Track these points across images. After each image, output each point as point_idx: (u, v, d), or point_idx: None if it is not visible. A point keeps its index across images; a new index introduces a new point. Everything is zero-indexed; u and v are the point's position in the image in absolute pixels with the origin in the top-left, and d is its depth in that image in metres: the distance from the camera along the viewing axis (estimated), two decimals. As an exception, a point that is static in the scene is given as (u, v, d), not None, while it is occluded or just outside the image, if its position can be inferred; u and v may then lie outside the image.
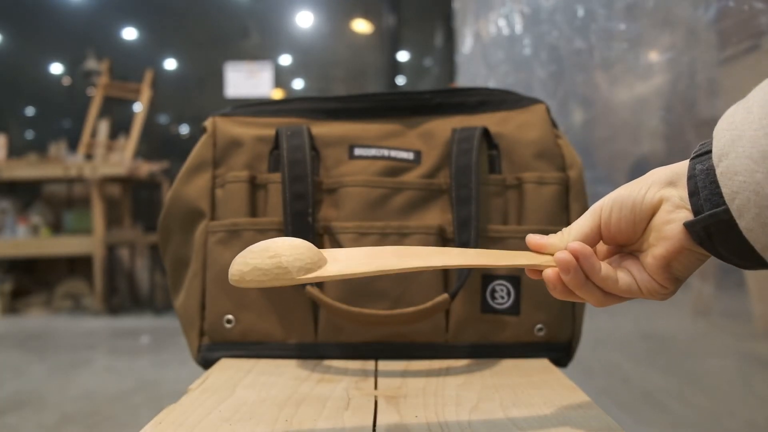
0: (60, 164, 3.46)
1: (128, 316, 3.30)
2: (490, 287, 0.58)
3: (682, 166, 0.36)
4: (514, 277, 0.58)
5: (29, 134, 5.09)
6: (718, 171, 0.31)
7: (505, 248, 0.58)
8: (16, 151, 3.97)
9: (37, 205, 3.67)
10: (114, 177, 3.44)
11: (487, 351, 0.58)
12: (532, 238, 0.40)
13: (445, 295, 0.53)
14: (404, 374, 0.52)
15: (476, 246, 0.55)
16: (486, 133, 0.60)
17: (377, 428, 0.39)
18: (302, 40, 5.11)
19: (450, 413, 0.42)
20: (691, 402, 0.87)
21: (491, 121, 0.62)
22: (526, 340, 0.58)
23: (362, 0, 5.11)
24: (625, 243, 0.39)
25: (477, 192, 0.57)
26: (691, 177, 0.34)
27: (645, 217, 0.37)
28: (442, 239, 0.58)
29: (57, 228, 3.66)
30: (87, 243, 3.36)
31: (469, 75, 2.43)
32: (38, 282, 3.59)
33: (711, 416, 0.83)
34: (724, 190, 0.31)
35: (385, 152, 0.61)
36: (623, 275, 0.38)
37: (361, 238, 0.57)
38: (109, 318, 3.23)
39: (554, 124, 0.62)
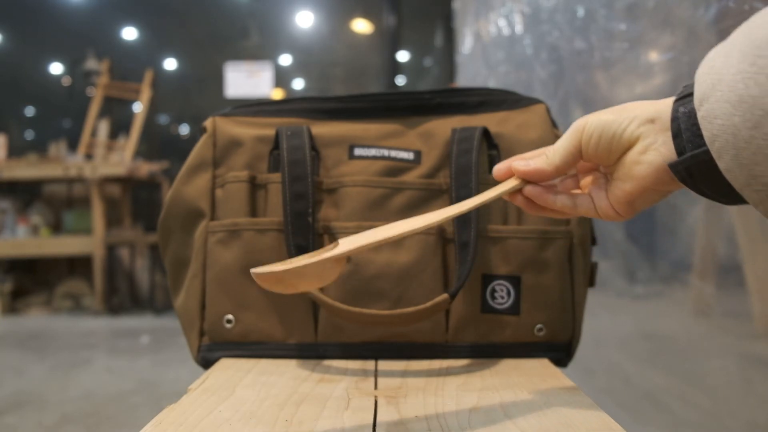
0: (60, 164, 3.46)
1: (128, 316, 3.30)
2: (490, 287, 0.58)
3: (665, 105, 0.37)
4: (514, 277, 0.58)
5: (29, 134, 5.08)
6: (699, 114, 0.32)
7: (505, 249, 0.58)
8: (16, 151, 3.97)
9: (37, 205, 3.67)
10: (114, 177, 3.44)
11: (487, 351, 0.58)
12: (518, 165, 0.43)
13: (445, 295, 0.53)
14: (404, 374, 0.52)
15: (476, 247, 0.55)
16: (486, 133, 0.60)
17: (377, 428, 0.39)
18: (302, 40, 5.11)
19: (450, 413, 0.42)
20: (692, 402, 0.87)
21: (491, 121, 0.62)
22: (526, 340, 0.58)
23: (362, 0, 5.10)
24: (599, 164, 0.42)
25: (477, 192, 0.57)
26: (674, 119, 0.35)
27: (620, 150, 0.39)
28: (442, 239, 0.58)
29: (57, 228, 3.66)
30: (87, 243, 3.36)
31: (469, 75, 2.43)
32: (38, 282, 3.59)
33: (711, 416, 0.83)
34: (705, 133, 0.32)
35: (385, 152, 0.61)
36: (582, 200, 0.43)
37: (361, 238, 0.57)
38: (109, 318, 3.23)
39: (554, 124, 0.62)
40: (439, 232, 0.58)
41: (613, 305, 1.16)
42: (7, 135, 3.77)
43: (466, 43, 2.50)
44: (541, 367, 0.55)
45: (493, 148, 0.61)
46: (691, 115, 0.34)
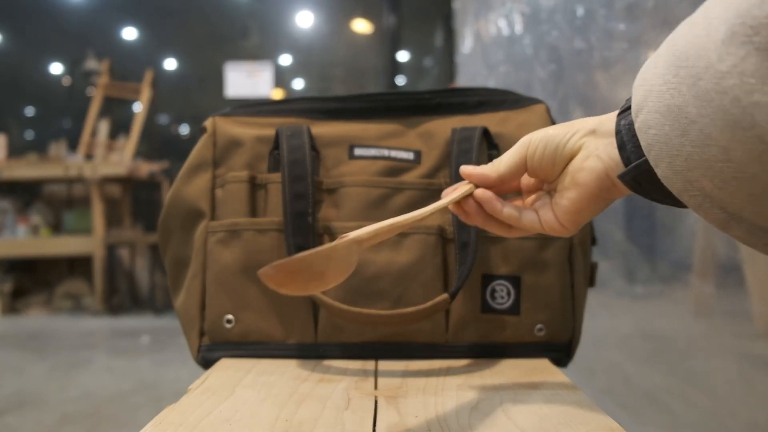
0: (60, 164, 3.46)
1: (128, 316, 3.30)
2: (490, 287, 0.58)
3: (607, 118, 0.39)
4: (514, 277, 0.58)
5: (29, 134, 5.09)
6: (636, 126, 0.33)
7: (505, 249, 0.58)
8: (16, 151, 3.97)
9: (37, 205, 3.67)
10: (114, 177, 3.44)
11: (487, 351, 0.58)
12: (465, 168, 0.45)
13: (445, 295, 0.53)
14: (404, 374, 0.52)
15: (476, 247, 0.55)
16: (486, 133, 0.60)
17: (377, 428, 0.39)
18: (302, 40, 5.11)
19: (450, 413, 0.42)
20: (692, 402, 0.87)
21: (491, 121, 0.62)
22: (526, 340, 0.58)
23: (362, 0, 5.10)
24: (543, 179, 0.43)
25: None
26: (618, 132, 0.37)
27: (563, 160, 0.41)
28: (442, 239, 0.58)
29: (57, 228, 3.66)
30: (87, 243, 3.36)
31: (469, 75, 2.43)
32: (38, 282, 3.59)
33: (711, 416, 0.83)
34: (642, 143, 0.33)
35: (385, 152, 0.61)
36: (528, 214, 0.43)
37: (361, 238, 0.57)
38: (109, 318, 3.23)
39: (554, 124, 0.62)
40: (439, 232, 0.58)
41: (613, 305, 1.16)
42: (7, 135, 3.77)
43: (466, 43, 2.50)
44: (541, 367, 0.55)
45: (493, 148, 0.61)
46: (631, 127, 0.35)
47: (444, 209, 0.44)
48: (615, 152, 0.37)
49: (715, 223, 0.30)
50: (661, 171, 0.32)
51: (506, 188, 0.45)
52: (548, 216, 0.42)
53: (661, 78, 0.31)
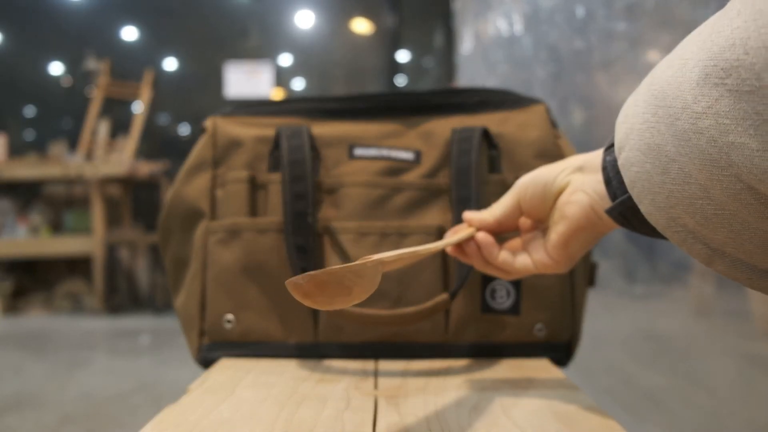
0: (60, 164, 3.46)
1: (128, 316, 3.30)
2: (489, 287, 0.58)
3: (594, 155, 0.41)
4: (514, 277, 0.58)
5: (29, 134, 5.08)
6: (619, 162, 0.34)
7: (505, 248, 0.58)
8: (16, 151, 3.97)
9: (37, 205, 3.66)
10: (114, 177, 3.43)
11: (487, 351, 0.58)
12: (467, 214, 0.48)
13: (445, 295, 0.53)
14: (404, 374, 0.52)
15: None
16: (486, 133, 0.60)
17: (377, 428, 0.39)
18: (302, 40, 5.11)
19: (450, 413, 0.42)
20: (692, 402, 0.87)
21: (491, 121, 0.62)
22: (526, 339, 0.58)
23: (362, 0, 5.10)
24: (537, 219, 0.46)
25: (477, 192, 0.57)
26: (604, 168, 0.38)
27: (552, 197, 0.43)
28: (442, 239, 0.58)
29: (57, 228, 3.66)
30: (87, 243, 3.36)
31: (469, 75, 2.43)
32: (38, 282, 3.59)
33: (711, 416, 0.83)
34: (626, 181, 0.33)
35: (385, 152, 0.61)
36: (521, 258, 0.46)
37: (361, 239, 0.57)
38: (109, 318, 3.23)
39: (554, 124, 0.62)
40: (438, 232, 0.58)
41: (613, 305, 1.16)
42: (7, 135, 3.77)
43: (465, 44, 2.50)
44: (541, 367, 0.55)
45: (493, 148, 0.61)
46: (615, 163, 0.36)
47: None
48: (600, 187, 0.39)
49: (698, 258, 0.31)
50: (644, 207, 0.32)
51: (505, 230, 0.48)
52: (540, 255, 0.45)
53: (641, 117, 0.31)
